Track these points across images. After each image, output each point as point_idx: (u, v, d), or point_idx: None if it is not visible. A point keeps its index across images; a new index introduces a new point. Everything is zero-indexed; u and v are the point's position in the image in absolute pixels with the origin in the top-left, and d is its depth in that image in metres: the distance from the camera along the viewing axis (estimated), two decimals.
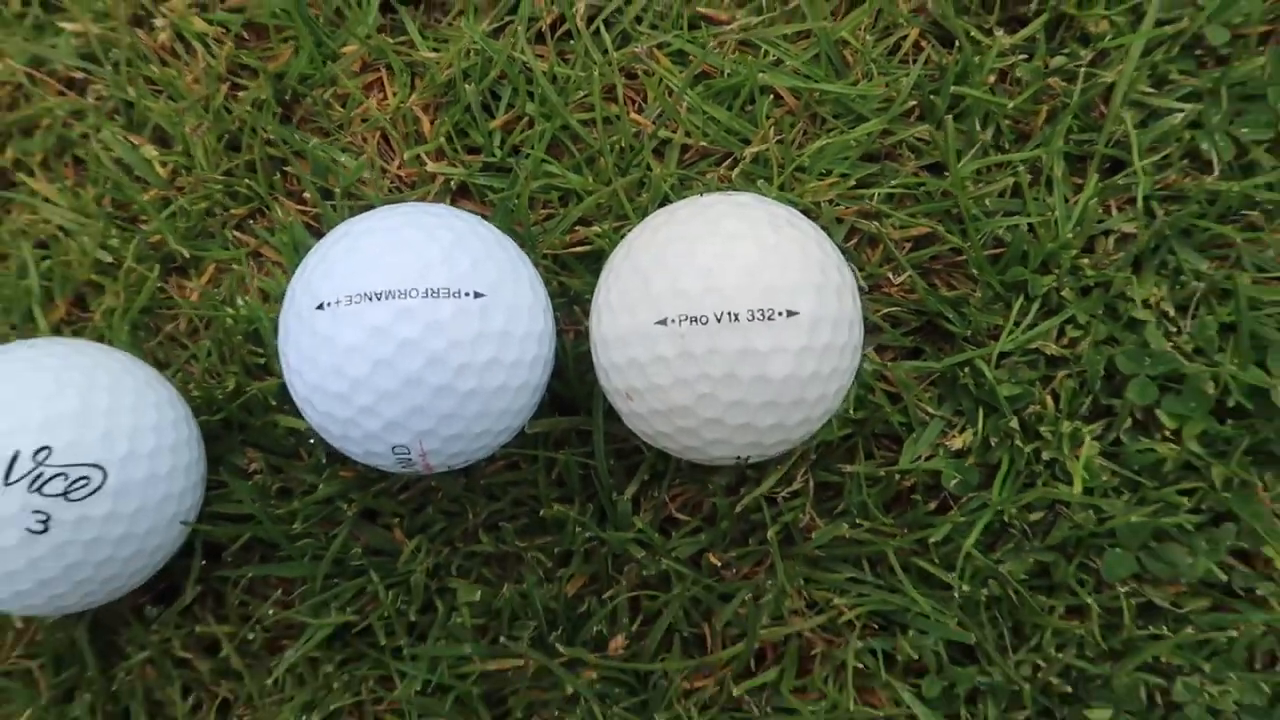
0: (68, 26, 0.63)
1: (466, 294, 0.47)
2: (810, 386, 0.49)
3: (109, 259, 0.60)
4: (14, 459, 0.46)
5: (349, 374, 0.46)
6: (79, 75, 0.65)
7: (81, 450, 0.48)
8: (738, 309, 0.47)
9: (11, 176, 0.64)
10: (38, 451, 0.47)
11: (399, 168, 0.61)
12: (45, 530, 0.47)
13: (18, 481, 0.46)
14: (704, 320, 0.47)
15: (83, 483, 0.47)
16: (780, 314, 0.47)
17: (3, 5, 0.65)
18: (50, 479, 0.47)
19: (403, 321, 0.46)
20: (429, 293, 0.46)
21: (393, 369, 0.46)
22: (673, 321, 0.48)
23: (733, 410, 0.48)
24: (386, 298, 0.46)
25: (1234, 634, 0.56)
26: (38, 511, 0.46)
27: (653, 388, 0.49)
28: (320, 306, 0.47)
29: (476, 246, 0.50)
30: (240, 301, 0.59)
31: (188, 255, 0.60)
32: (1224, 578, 0.57)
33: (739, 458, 0.52)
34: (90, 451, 0.48)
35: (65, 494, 0.47)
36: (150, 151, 0.61)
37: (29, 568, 0.47)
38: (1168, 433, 0.59)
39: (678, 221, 0.50)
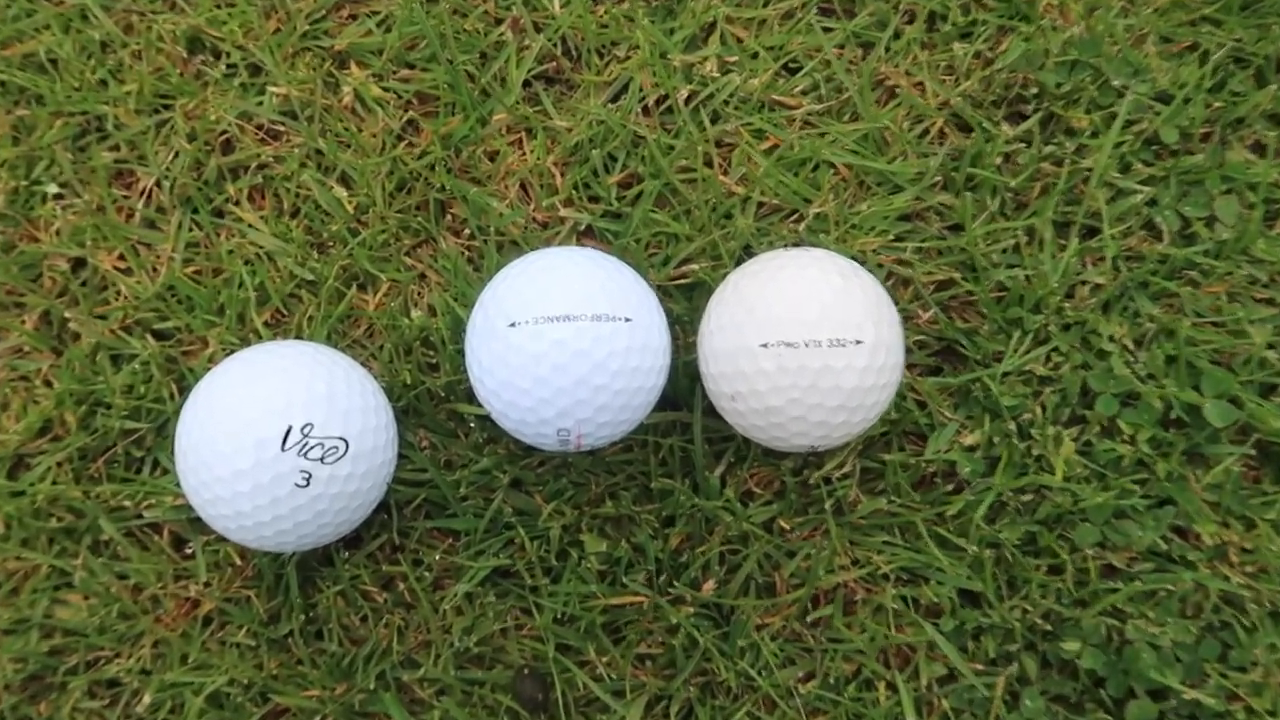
0: (271, 89, 0.73)
1: (619, 318, 0.59)
2: (870, 394, 0.59)
3: (310, 277, 0.70)
4: (288, 432, 0.56)
5: (534, 374, 0.57)
6: (280, 127, 0.74)
7: (332, 426, 0.57)
8: (820, 337, 0.58)
9: (222, 208, 0.73)
10: (304, 426, 0.57)
11: (534, 211, 0.72)
12: (307, 485, 0.57)
13: (290, 449, 0.56)
14: (795, 345, 0.58)
15: (334, 451, 0.57)
16: (851, 341, 0.58)
17: (213, 69, 0.73)
18: (312, 447, 0.57)
19: (576, 337, 0.57)
20: (595, 317, 0.58)
21: (566, 372, 0.57)
22: (772, 345, 0.58)
23: (813, 410, 0.59)
24: (564, 320, 0.58)
25: (1171, 588, 0.65)
26: (303, 471, 0.57)
27: (754, 393, 0.59)
28: (513, 325, 0.58)
29: (624, 282, 0.61)
30: (415, 313, 0.69)
31: (371, 274, 0.70)
32: (1165, 547, 0.66)
33: (812, 447, 0.62)
34: (337, 427, 0.58)
35: (322, 459, 0.57)
36: (340, 192, 0.71)
37: (292, 513, 0.57)
38: (1126, 437, 0.67)
39: (773, 269, 0.62)
